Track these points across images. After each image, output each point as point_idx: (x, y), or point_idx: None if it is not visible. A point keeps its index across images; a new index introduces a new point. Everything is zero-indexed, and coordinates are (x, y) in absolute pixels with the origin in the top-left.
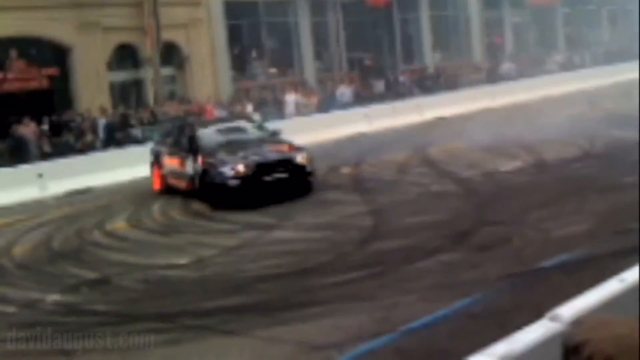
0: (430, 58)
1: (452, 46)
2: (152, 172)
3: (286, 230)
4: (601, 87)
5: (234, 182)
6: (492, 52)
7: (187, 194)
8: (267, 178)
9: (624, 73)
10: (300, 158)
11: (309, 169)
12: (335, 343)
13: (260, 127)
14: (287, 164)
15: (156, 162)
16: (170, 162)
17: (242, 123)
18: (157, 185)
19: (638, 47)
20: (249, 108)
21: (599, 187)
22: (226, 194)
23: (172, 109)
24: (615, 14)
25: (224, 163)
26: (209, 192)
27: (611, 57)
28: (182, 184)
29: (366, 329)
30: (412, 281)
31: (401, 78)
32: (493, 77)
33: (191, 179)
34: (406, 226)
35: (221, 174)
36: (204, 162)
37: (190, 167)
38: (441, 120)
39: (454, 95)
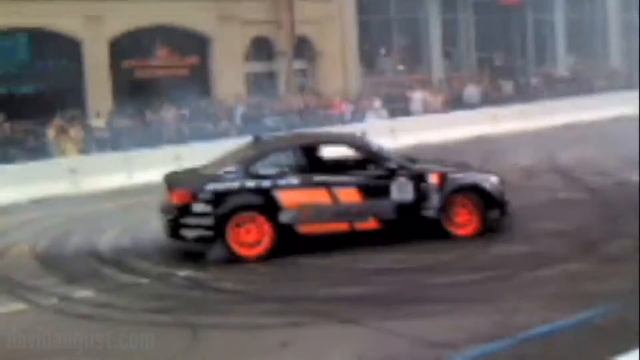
0: (563, 61)
1: (588, 49)
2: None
3: None
4: None
5: None
6: (631, 56)
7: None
8: None
9: None
10: None
11: None
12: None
13: None
14: None
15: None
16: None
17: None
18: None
19: None
20: (377, 104)
21: None
22: None
23: (302, 101)
24: None
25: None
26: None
27: None
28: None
29: (483, 331)
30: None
31: (532, 80)
32: (631, 82)
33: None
34: (532, 232)
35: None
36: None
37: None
38: (572, 126)
39: (588, 101)
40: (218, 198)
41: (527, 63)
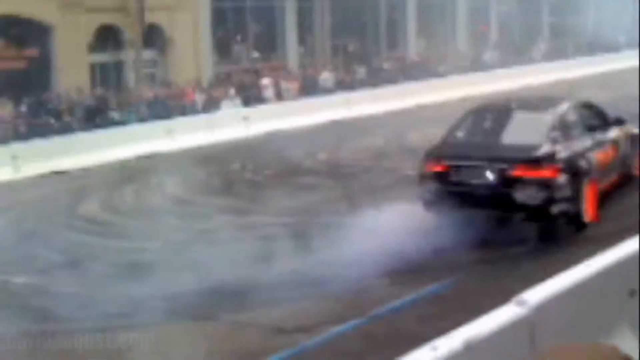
0: (414, 45)
1: (437, 34)
2: None
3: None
4: (583, 77)
5: None
6: (477, 40)
7: None
8: None
9: (604, 64)
10: None
11: None
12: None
13: None
14: None
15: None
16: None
17: None
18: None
19: (618, 38)
20: (231, 92)
21: None
22: None
23: (151, 92)
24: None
25: None
26: None
27: (594, 48)
28: None
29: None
30: None
31: (385, 64)
32: (477, 65)
33: None
34: None
35: None
36: None
37: None
38: (423, 107)
39: (437, 83)
40: None
41: (380, 48)
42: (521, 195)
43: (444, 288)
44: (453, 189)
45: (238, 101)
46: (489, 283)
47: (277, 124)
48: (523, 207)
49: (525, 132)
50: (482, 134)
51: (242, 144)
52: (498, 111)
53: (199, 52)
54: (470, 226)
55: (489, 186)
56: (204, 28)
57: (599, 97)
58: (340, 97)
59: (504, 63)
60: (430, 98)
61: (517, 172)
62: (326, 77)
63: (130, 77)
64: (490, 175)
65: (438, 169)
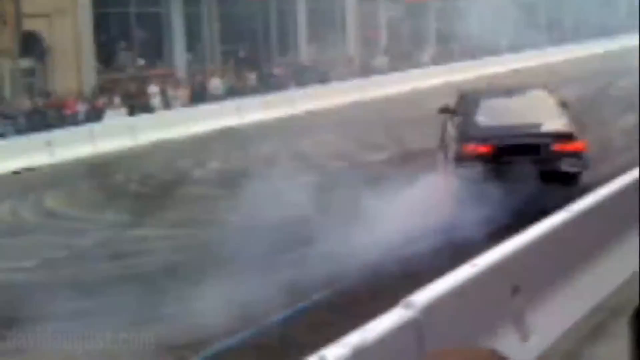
0: (305, 51)
1: (328, 39)
2: None
3: None
4: (467, 80)
5: None
6: (367, 45)
7: None
8: None
9: (488, 67)
10: None
11: None
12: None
13: None
14: None
15: None
16: None
17: None
18: None
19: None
20: (116, 101)
21: None
22: None
23: (29, 103)
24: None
25: None
26: None
27: (479, 51)
28: None
29: None
30: None
31: (275, 70)
32: (366, 70)
33: None
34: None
35: None
36: None
37: None
38: (313, 113)
39: (327, 89)
40: None
41: (271, 54)
42: (565, 166)
43: None
44: (502, 166)
45: (123, 110)
46: None
47: (166, 133)
48: (566, 175)
49: (541, 112)
50: (504, 116)
51: (127, 155)
52: (497, 97)
53: (80, 60)
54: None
55: (537, 160)
56: (85, 35)
57: None
58: (230, 104)
59: (394, 68)
60: (321, 104)
61: (558, 147)
62: (216, 84)
63: (6, 86)
64: (537, 151)
65: (483, 150)
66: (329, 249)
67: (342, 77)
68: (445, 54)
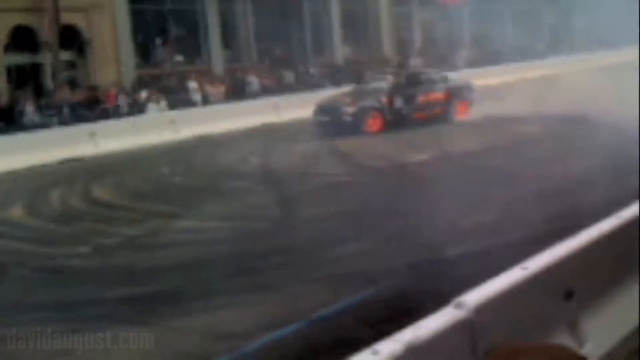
0: (340, 51)
1: (362, 40)
2: None
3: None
4: (503, 84)
5: None
6: (402, 47)
7: None
8: None
9: (521, 71)
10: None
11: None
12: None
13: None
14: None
15: None
16: None
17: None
18: None
19: (537, 47)
20: (156, 95)
21: None
22: None
23: (71, 95)
24: (519, 13)
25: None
26: None
27: (514, 55)
28: None
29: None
30: None
31: (311, 70)
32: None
33: None
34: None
35: None
36: None
37: None
38: None
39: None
40: None
41: (306, 53)
42: None
43: None
44: None
45: (164, 104)
46: None
47: (206, 127)
48: None
49: None
50: None
51: (170, 148)
52: None
53: (119, 54)
54: None
55: None
56: (123, 30)
57: None
58: (267, 101)
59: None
60: None
61: None
62: (252, 81)
63: (48, 79)
64: None
65: None
66: None
67: (377, 78)
68: (480, 57)
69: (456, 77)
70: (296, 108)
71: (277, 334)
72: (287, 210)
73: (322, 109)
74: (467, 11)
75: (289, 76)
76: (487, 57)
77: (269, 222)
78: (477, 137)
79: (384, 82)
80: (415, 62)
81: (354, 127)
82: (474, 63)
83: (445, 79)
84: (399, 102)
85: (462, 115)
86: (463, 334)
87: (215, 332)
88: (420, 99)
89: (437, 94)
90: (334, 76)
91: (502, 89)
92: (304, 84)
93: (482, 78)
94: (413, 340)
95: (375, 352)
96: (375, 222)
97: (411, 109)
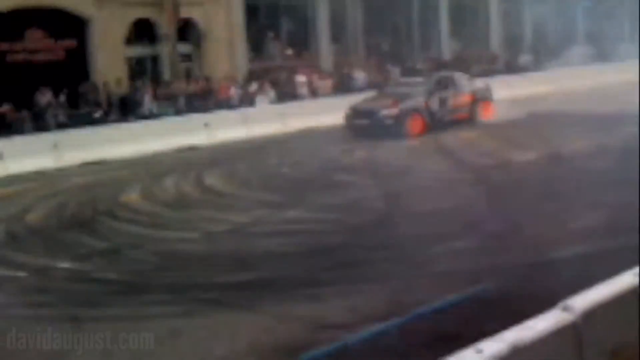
0: (447, 46)
1: (470, 35)
2: None
3: None
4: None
5: None
6: (511, 43)
7: None
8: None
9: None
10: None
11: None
12: (343, 324)
13: None
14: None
15: None
16: None
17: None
18: None
19: None
20: (267, 88)
21: None
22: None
23: (187, 86)
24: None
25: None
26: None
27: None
28: None
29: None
30: None
31: (418, 65)
32: (511, 67)
33: None
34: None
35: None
36: None
37: None
38: None
39: None
40: None
41: (413, 48)
42: None
43: None
44: None
45: (273, 97)
46: None
47: (314, 120)
48: None
49: None
50: None
51: (279, 139)
52: None
53: (233, 47)
54: None
55: None
56: (237, 24)
57: None
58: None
59: (539, 66)
60: None
61: None
62: (359, 75)
63: (166, 70)
64: None
65: None
66: None
67: (484, 74)
68: (595, 54)
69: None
70: None
71: (380, 327)
72: (392, 205)
73: (357, 112)
74: (581, 7)
75: (395, 71)
76: (602, 54)
77: (374, 215)
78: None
79: (412, 85)
80: (524, 59)
81: (396, 131)
82: (588, 59)
83: (469, 82)
84: (434, 105)
85: (486, 116)
86: (569, 337)
87: (319, 321)
88: (452, 101)
89: (465, 96)
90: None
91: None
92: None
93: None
94: (517, 340)
95: (479, 351)
96: (480, 219)
97: (445, 112)
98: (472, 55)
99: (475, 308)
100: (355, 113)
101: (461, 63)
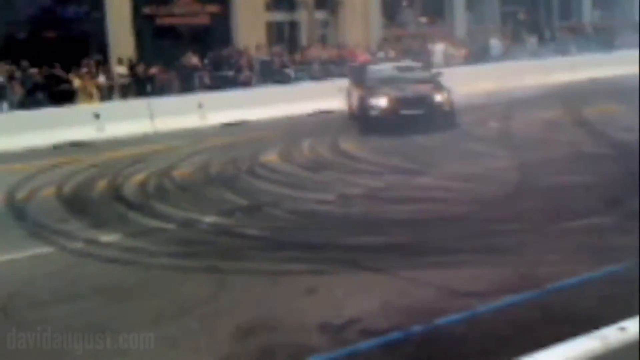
0: (588, 15)
1: (615, 4)
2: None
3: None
4: None
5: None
6: None
7: (351, 117)
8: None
9: None
10: (439, 97)
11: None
12: (475, 292)
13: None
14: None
15: (348, 94)
16: (354, 93)
17: (410, 64)
18: (349, 110)
19: None
20: (399, 55)
21: None
22: (369, 122)
23: (323, 52)
24: None
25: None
26: (360, 118)
27: None
28: (352, 110)
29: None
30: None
31: (557, 34)
32: None
33: (355, 106)
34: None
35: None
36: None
37: (354, 97)
38: (593, 81)
39: (612, 56)
40: None
41: (552, 17)
42: None
43: None
44: None
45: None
46: None
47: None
48: None
49: None
50: None
51: None
52: None
53: (367, 14)
54: None
55: None
56: None
57: None
58: (509, 65)
59: None
60: (604, 72)
61: None
62: (494, 44)
63: (303, 36)
64: None
65: None
66: None
67: (629, 45)
68: None
69: None
70: (540, 74)
71: (512, 299)
72: (527, 177)
73: (403, 101)
74: None
75: (532, 41)
76: None
77: (508, 187)
78: None
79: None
80: None
81: (452, 119)
82: None
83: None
84: None
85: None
86: None
87: (451, 288)
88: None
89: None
90: (581, 41)
91: None
92: (549, 49)
93: None
94: None
95: (623, 329)
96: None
97: None
98: (614, 25)
99: (615, 287)
100: (400, 102)
101: (603, 34)
